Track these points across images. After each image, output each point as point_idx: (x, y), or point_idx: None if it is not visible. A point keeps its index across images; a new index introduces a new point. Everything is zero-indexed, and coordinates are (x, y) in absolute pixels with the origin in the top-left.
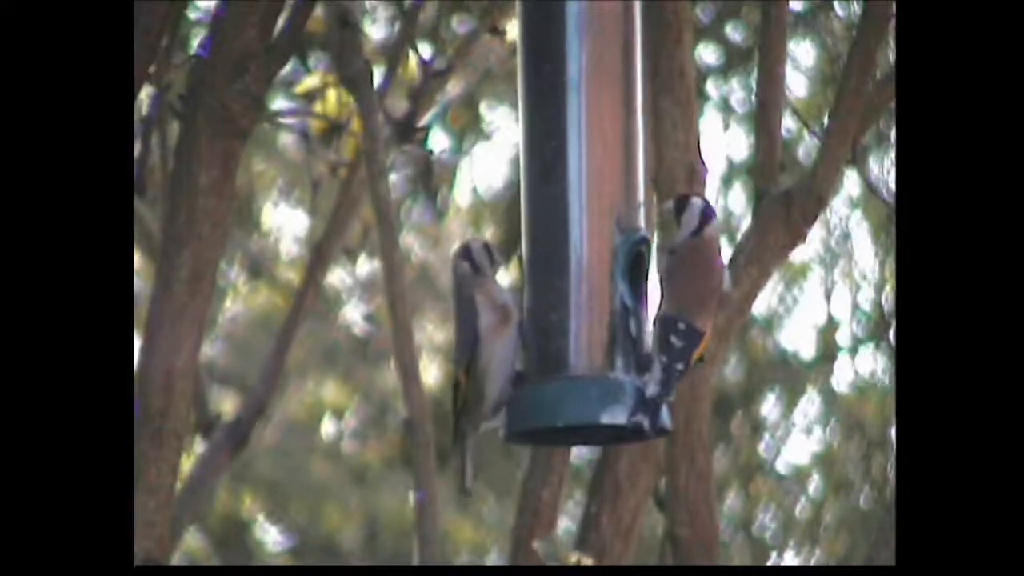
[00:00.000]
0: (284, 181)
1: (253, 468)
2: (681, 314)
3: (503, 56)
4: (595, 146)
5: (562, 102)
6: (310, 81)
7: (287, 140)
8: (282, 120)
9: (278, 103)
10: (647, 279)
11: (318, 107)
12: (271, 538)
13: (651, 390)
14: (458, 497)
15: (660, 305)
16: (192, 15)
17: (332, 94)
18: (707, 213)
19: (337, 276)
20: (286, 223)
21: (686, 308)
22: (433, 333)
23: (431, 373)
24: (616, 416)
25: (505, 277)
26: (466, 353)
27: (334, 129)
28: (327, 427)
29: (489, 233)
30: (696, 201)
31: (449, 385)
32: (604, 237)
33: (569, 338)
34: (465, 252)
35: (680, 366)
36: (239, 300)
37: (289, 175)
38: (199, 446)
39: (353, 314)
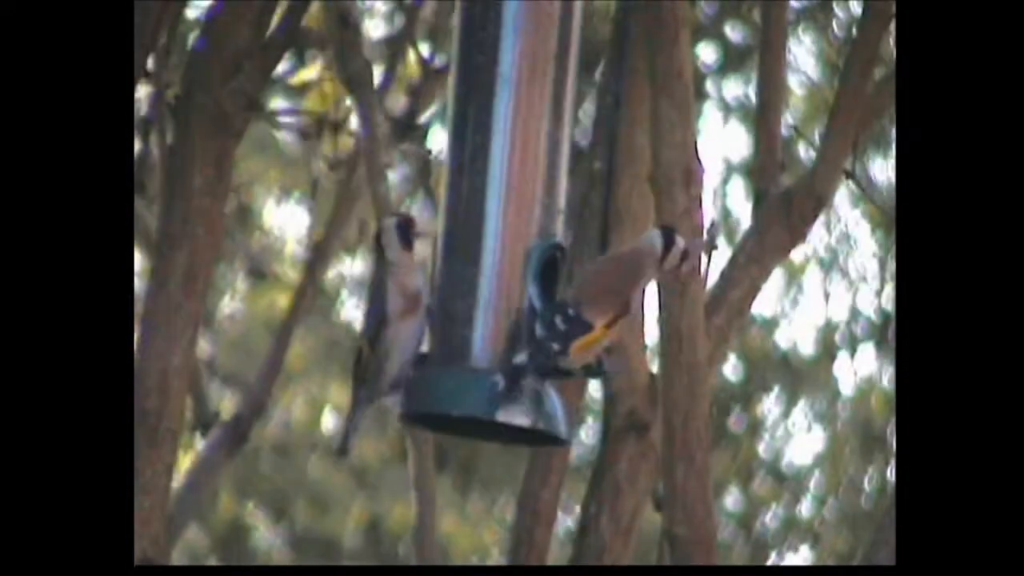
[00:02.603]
0: (284, 180)
1: (254, 469)
2: (576, 303)
3: None
4: (519, 145)
5: (491, 96)
6: (305, 73)
7: (286, 138)
8: (278, 119)
9: (275, 102)
10: (557, 283)
11: (314, 103)
12: (272, 539)
13: (519, 358)
14: (456, 497)
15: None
16: (188, 14)
17: (328, 88)
18: (668, 242)
19: (337, 274)
20: (286, 223)
21: (583, 299)
22: None
23: None
24: (513, 416)
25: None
26: (371, 331)
27: (331, 126)
28: (327, 427)
29: None
30: (655, 233)
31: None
32: (520, 236)
33: (474, 329)
34: (376, 235)
35: (556, 346)
36: (238, 299)
37: (289, 174)
38: (198, 444)
39: (353, 313)
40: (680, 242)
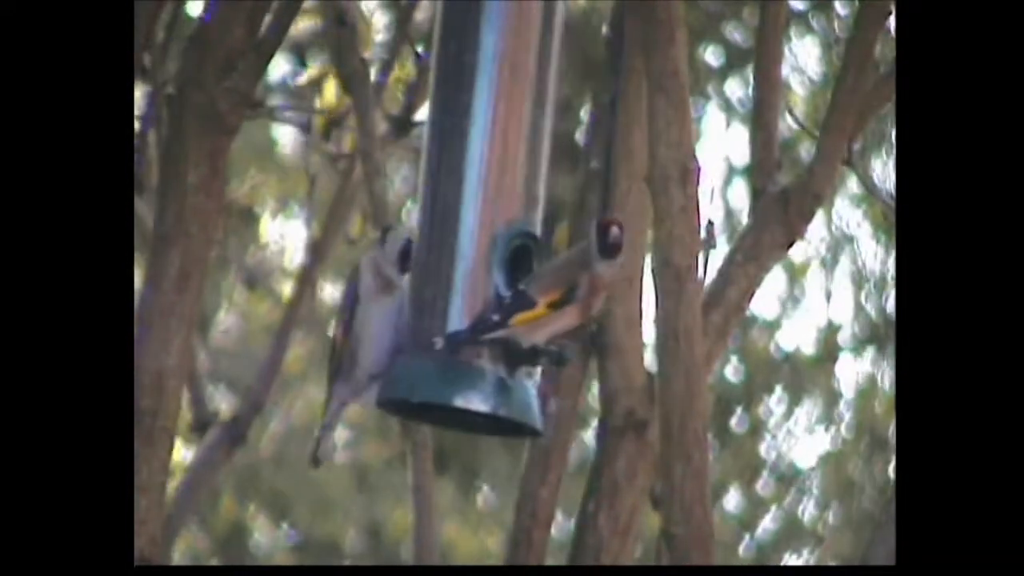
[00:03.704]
0: (282, 187)
1: (254, 472)
2: (527, 283)
3: None
4: (495, 138)
5: (471, 84)
6: (310, 72)
7: (284, 141)
8: (278, 115)
9: (274, 99)
10: (529, 272)
11: (317, 100)
12: (272, 542)
13: (460, 330)
14: (458, 501)
15: None
16: (183, 13)
17: (331, 86)
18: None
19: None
20: (284, 235)
21: (533, 280)
22: None
23: None
24: (470, 402)
25: None
26: (344, 313)
27: (330, 121)
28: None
29: None
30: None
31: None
32: (492, 227)
33: (445, 318)
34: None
35: (496, 317)
36: (236, 310)
37: (287, 183)
38: (197, 444)
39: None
40: (613, 232)
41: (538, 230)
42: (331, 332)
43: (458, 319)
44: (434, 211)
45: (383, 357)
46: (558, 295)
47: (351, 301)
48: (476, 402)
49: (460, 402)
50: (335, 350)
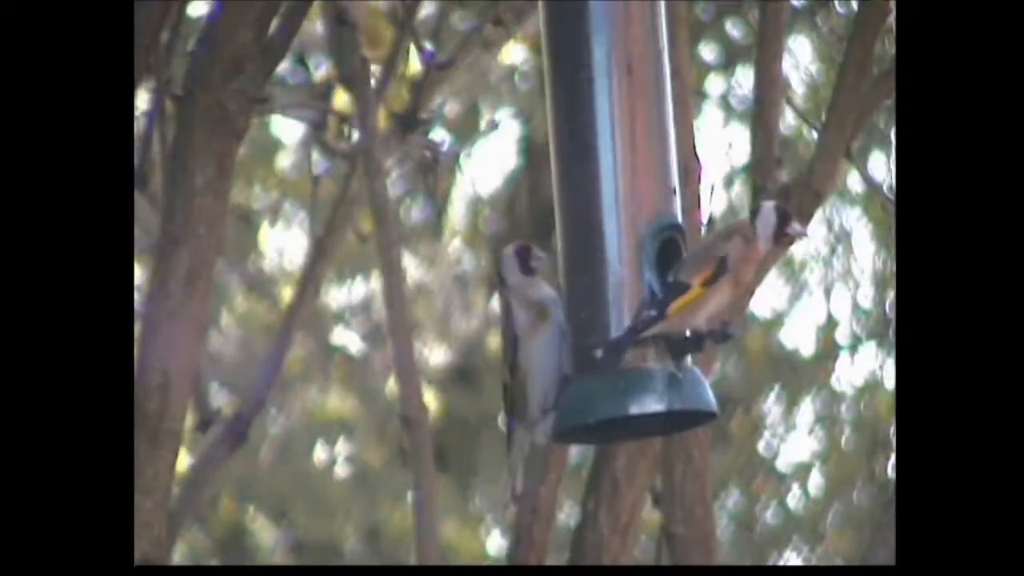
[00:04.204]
0: (282, 190)
1: (254, 474)
2: (675, 271)
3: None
4: (625, 141)
5: (591, 101)
6: (321, 73)
7: (285, 142)
8: (288, 112)
9: (283, 98)
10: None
11: (329, 100)
12: (273, 543)
13: (619, 334)
14: (458, 501)
15: None
16: (190, 14)
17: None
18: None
19: (337, 274)
20: (284, 236)
21: (681, 266)
22: (430, 337)
23: (429, 372)
24: (645, 405)
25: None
26: (508, 354)
27: (336, 118)
28: (327, 432)
29: (488, 229)
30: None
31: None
32: (635, 233)
33: (604, 333)
34: (497, 264)
35: (652, 312)
36: (236, 311)
37: (287, 184)
38: (199, 442)
39: (354, 316)
40: (793, 223)
41: (680, 218)
42: (333, 337)
43: (618, 330)
44: (574, 232)
45: (552, 388)
46: (710, 271)
47: (511, 340)
48: (650, 403)
49: (635, 408)
50: (506, 392)
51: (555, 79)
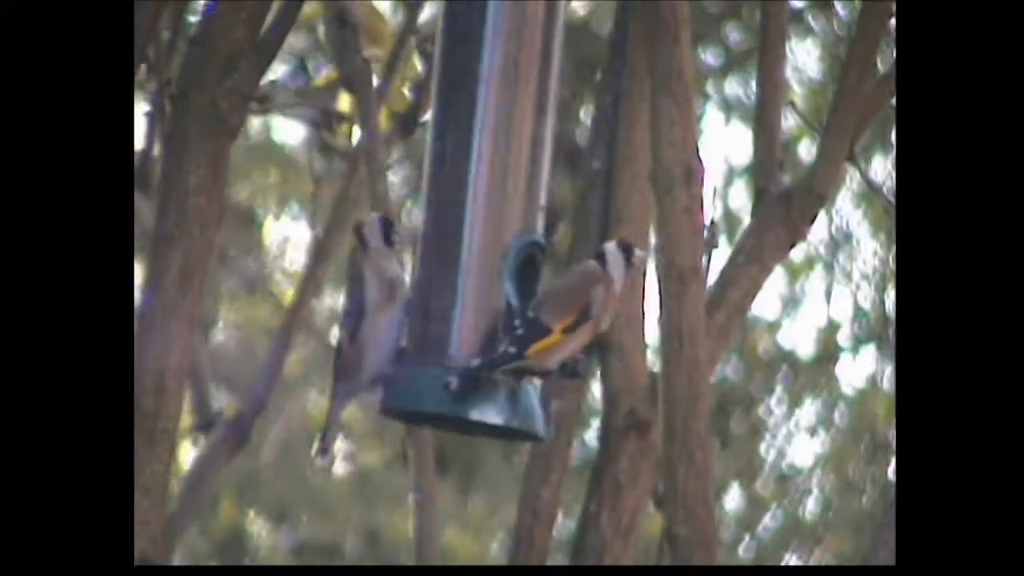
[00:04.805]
0: (283, 191)
1: (254, 476)
2: (537, 307)
3: None
4: (499, 144)
5: (474, 92)
6: (324, 76)
7: (286, 143)
8: (287, 111)
9: (283, 97)
10: (537, 282)
11: (331, 100)
12: (272, 546)
13: (474, 362)
14: (459, 505)
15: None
16: (185, 13)
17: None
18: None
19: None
20: (286, 238)
21: (544, 304)
22: None
23: None
24: (486, 415)
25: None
26: (350, 322)
27: (337, 118)
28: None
29: None
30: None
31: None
32: (499, 235)
33: (451, 326)
34: (358, 227)
35: (512, 350)
36: (236, 311)
37: (289, 184)
38: (199, 443)
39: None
40: (636, 252)
41: (542, 237)
42: (334, 338)
43: (465, 328)
44: (438, 221)
45: (386, 360)
46: (572, 318)
47: (356, 310)
48: (491, 415)
49: (476, 415)
50: (339, 355)
51: (444, 70)
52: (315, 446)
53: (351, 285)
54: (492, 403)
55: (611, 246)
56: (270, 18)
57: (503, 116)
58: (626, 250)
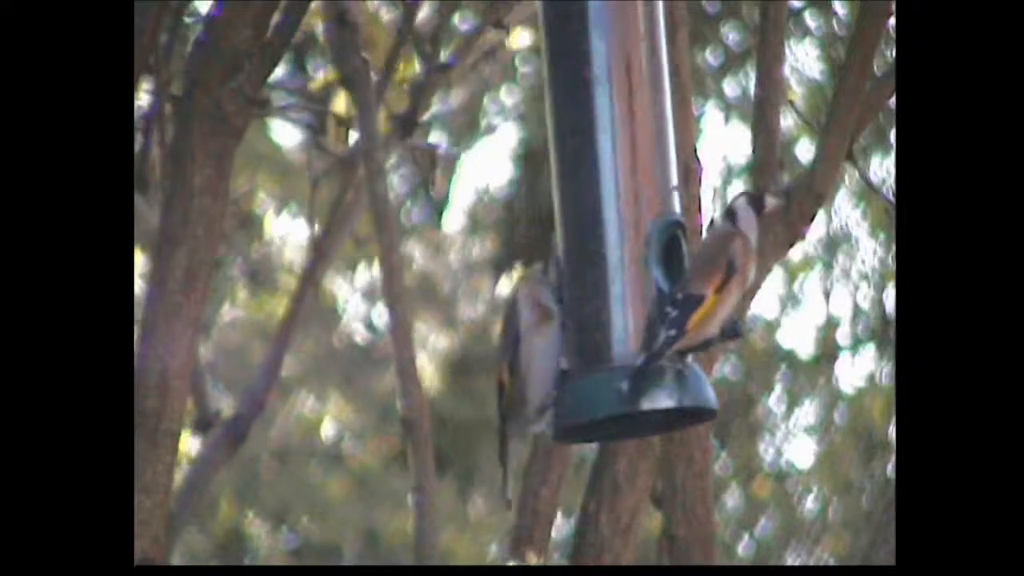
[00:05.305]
0: (284, 187)
1: (253, 476)
2: (684, 283)
3: (507, 51)
4: (624, 137)
5: (591, 98)
6: (322, 77)
7: (286, 143)
8: (286, 115)
9: (282, 99)
10: (682, 262)
11: (329, 102)
12: (271, 544)
13: (639, 360)
14: (458, 506)
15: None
16: (189, 14)
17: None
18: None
19: (337, 282)
20: (286, 232)
21: (689, 276)
22: (431, 335)
23: (430, 373)
24: (657, 401)
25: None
26: (507, 352)
27: (336, 120)
28: (327, 431)
29: (488, 230)
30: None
31: (490, 387)
32: (638, 227)
33: (608, 329)
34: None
35: (672, 332)
36: (238, 307)
37: (289, 183)
38: (198, 443)
39: (352, 318)
40: (768, 200)
41: (681, 216)
42: (334, 338)
43: (623, 326)
44: (576, 229)
45: (549, 385)
46: (720, 278)
47: (513, 339)
48: (662, 399)
49: (647, 404)
50: (502, 391)
51: (554, 79)
52: (500, 488)
53: (506, 316)
54: (661, 389)
55: (740, 201)
56: (275, 19)
57: (624, 117)
58: (756, 201)
